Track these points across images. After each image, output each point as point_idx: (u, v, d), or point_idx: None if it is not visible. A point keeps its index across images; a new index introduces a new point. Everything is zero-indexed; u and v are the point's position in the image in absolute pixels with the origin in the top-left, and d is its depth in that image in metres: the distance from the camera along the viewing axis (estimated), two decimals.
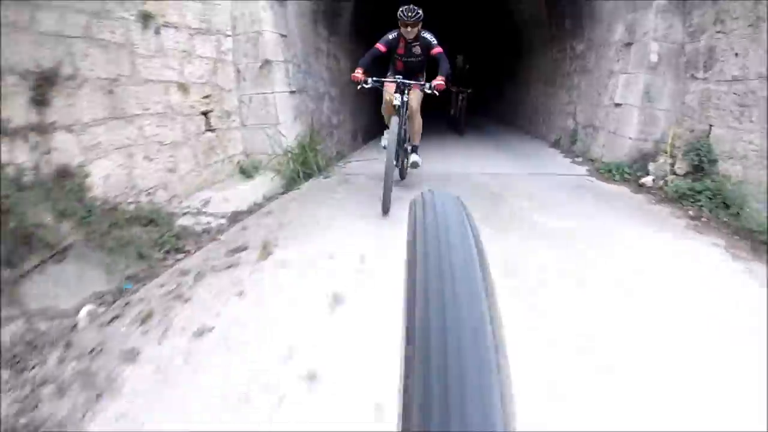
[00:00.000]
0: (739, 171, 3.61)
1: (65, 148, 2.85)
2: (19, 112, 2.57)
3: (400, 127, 3.83)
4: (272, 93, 4.71)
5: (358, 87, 3.92)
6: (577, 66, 6.59)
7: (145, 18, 3.38)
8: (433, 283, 0.37)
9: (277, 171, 4.88)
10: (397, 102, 3.87)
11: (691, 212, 3.43)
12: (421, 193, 0.53)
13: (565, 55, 7.12)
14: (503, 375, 0.29)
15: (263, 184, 4.68)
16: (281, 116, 4.82)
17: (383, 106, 4.29)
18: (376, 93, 4.43)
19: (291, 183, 4.79)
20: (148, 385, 1.66)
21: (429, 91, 3.87)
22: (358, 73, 3.87)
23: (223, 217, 3.89)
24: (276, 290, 2.25)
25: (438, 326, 0.32)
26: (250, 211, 4.01)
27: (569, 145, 6.20)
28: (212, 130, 4.39)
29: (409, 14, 3.91)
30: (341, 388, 1.57)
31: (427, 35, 4.11)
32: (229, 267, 2.59)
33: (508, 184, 4.56)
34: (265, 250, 2.79)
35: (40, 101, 2.69)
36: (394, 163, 3.71)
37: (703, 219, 3.29)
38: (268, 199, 4.39)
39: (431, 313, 0.33)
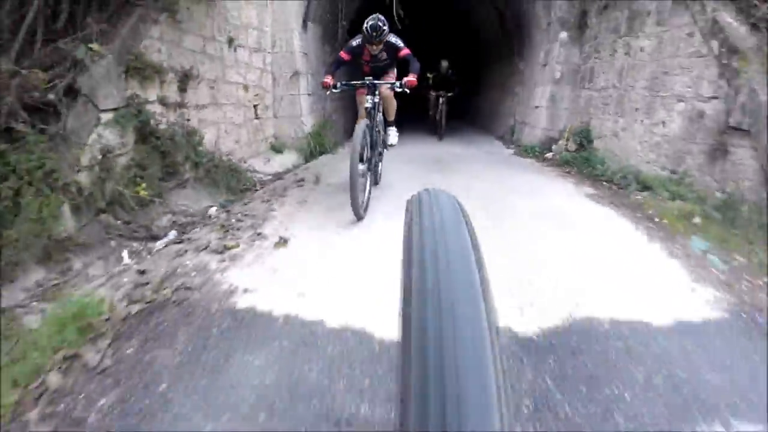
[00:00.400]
0: (601, 144, 5.76)
1: (192, 119, 4.72)
2: (172, 94, 4.42)
3: (371, 129, 3.85)
4: (298, 95, 6.67)
5: (327, 92, 4.03)
6: (518, 79, 8.79)
7: (230, 41, 5.31)
8: (429, 278, 0.37)
9: (298, 149, 6.82)
10: (368, 104, 3.88)
11: (567, 170, 5.56)
12: (419, 191, 0.55)
13: (513, 69, 9.32)
14: (499, 372, 0.29)
15: (290, 157, 6.61)
16: (303, 111, 6.78)
17: (359, 113, 4.40)
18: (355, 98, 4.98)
19: (309, 157, 6.73)
20: (284, 218, 3.60)
21: (400, 89, 3.89)
22: (327, 79, 3.94)
23: (269, 175, 5.80)
24: (332, 192, 4.25)
25: (434, 323, 0.32)
26: (286, 173, 5.92)
27: (509, 137, 8.38)
28: (258, 118, 6.30)
29: (374, 33, 3.92)
30: (380, 216, 3.57)
31: (392, 39, 4.08)
32: (297, 187, 4.56)
33: (459, 158, 6.64)
34: (318, 180, 4.78)
35: (182, 89, 4.56)
36: (363, 167, 3.67)
37: (571, 173, 5.43)
38: (295, 167, 6.31)
39: (428, 310, 0.33)
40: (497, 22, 9.91)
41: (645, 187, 4.31)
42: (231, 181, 4.96)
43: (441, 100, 9.53)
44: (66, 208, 3.20)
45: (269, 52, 6.45)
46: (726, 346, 1.94)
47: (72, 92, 3.29)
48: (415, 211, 0.50)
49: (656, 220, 3.51)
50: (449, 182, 4.82)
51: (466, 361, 0.29)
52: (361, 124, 3.55)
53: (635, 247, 3.02)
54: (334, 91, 3.96)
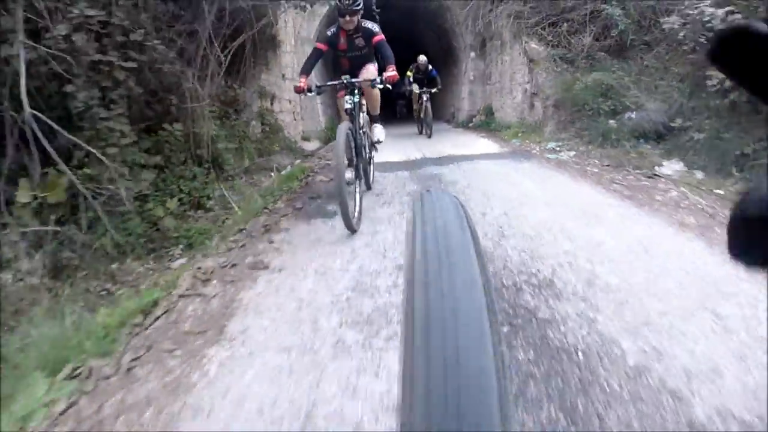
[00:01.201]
0: (497, 114, 10.19)
1: (278, 119, 8.86)
2: (268, 106, 8.58)
3: (355, 132, 3.55)
4: (316, 104, 10.91)
5: (302, 96, 3.67)
6: (453, 81, 13.29)
7: (283, 76, 9.53)
8: (432, 278, 0.37)
9: (318, 138, 11.04)
10: (348, 105, 3.56)
11: (477, 130, 9.97)
12: (420, 192, 0.55)
13: (450, 75, 13.81)
14: (501, 372, 0.30)
15: (315, 143, 10.81)
16: (319, 114, 11.03)
17: (341, 116, 4.08)
18: None
19: (326, 142, 10.95)
20: None
21: (381, 86, 3.60)
22: (301, 82, 3.65)
23: (310, 151, 10.00)
24: None
25: (438, 324, 0.33)
26: (318, 149, 10.10)
27: (451, 119, 12.86)
28: (295, 120, 10.49)
29: (346, 2, 3.64)
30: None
31: (368, 24, 3.89)
32: None
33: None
34: None
35: (271, 103, 8.73)
36: (351, 174, 3.29)
37: (479, 131, 9.83)
38: (319, 148, 10.50)
39: (431, 311, 0.34)
40: (438, 43, 14.43)
41: (507, 128, 8.72)
42: (298, 152, 9.16)
43: (425, 97, 9.50)
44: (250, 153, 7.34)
45: None
46: (497, 158, 6.25)
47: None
48: (418, 211, 0.50)
49: (503, 138, 7.90)
50: (417, 144, 9.12)
51: (468, 361, 0.29)
52: (343, 128, 3.22)
53: (484, 145, 7.37)
54: (309, 94, 3.68)
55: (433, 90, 9.61)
